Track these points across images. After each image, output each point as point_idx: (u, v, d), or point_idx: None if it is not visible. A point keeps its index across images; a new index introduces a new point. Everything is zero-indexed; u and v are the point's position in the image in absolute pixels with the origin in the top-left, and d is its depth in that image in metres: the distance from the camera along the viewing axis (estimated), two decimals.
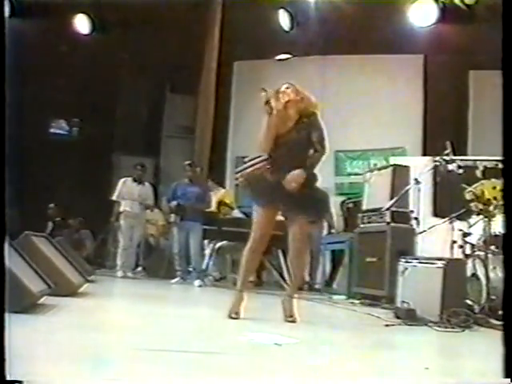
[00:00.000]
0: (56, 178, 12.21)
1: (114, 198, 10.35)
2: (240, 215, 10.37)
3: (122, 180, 10.49)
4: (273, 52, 12.66)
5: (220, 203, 9.98)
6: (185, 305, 6.58)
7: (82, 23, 12.97)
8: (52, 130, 13.96)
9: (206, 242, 9.83)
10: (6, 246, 3.13)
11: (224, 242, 9.53)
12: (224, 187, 11.60)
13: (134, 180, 10.38)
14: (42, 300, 4.36)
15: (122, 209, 10.25)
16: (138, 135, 14.31)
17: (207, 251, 9.60)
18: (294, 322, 4.77)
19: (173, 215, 9.51)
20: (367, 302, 7.09)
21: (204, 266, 9.43)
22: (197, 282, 9.10)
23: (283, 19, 12.04)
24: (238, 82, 13.70)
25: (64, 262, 5.85)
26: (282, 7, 12.04)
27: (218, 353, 3.22)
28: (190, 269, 9.38)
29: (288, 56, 12.55)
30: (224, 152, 13.55)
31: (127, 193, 10.29)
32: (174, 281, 9.35)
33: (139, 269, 11.47)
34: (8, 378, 2.17)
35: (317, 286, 9.45)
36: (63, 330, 3.63)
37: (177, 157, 14.04)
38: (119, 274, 9.89)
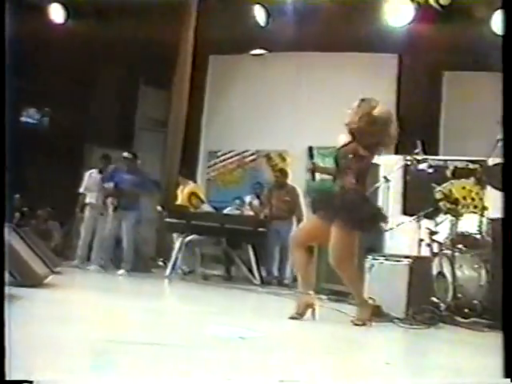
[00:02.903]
0: (25, 168, 12.07)
1: (80, 190, 10.25)
2: (210, 209, 10.36)
3: (89, 172, 10.39)
4: (248, 47, 12.63)
5: (191, 195, 9.94)
6: (150, 298, 6.53)
7: (56, 12, 12.81)
8: (22, 119, 13.80)
9: (175, 235, 9.79)
10: None
11: (193, 236, 9.49)
12: (195, 181, 11.57)
13: (100, 172, 10.27)
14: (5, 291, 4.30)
15: (87, 201, 10.15)
16: (111, 127, 14.19)
17: (176, 245, 9.55)
18: None
19: (109, 198, 9.40)
20: (335, 297, 7.10)
21: (173, 259, 9.38)
22: (120, 271, 9.09)
23: (259, 14, 12.01)
24: (212, 76, 13.65)
25: (30, 252, 5.79)
26: (258, 2, 12.01)
27: (182, 346, 3.21)
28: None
29: (263, 51, 12.54)
30: (196, 146, 13.50)
31: (93, 185, 10.18)
32: (92, 267, 9.29)
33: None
34: None
35: (286, 281, 9.46)
36: (26, 321, 3.58)
37: (149, 150, 13.98)
38: (77, 264, 9.67)
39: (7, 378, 2.21)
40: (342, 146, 5.00)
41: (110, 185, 9.40)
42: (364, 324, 4.74)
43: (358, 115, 4.94)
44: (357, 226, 4.85)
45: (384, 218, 5.31)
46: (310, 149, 5.02)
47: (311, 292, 4.98)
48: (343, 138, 5.01)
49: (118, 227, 9.37)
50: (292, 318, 4.78)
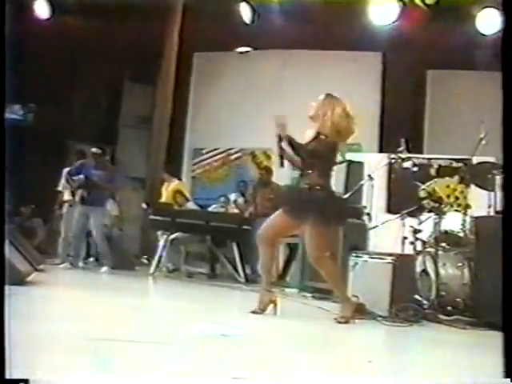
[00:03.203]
0: (8, 164, 11.97)
1: (59, 188, 10.17)
2: (195, 207, 10.34)
3: (67, 169, 10.28)
4: (233, 44, 12.62)
5: (176, 192, 9.92)
6: (134, 295, 6.51)
7: (41, 8, 12.72)
8: (6, 115, 13.70)
9: (159, 232, 9.76)
10: None
11: (178, 234, 9.47)
12: (180, 179, 11.54)
13: None
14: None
15: (65, 198, 10.06)
16: (95, 123, 14.12)
17: (161, 242, 9.52)
18: None
19: (79, 191, 9.29)
20: (319, 295, 7.11)
21: (157, 257, 9.35)
22: (103, 269, 9.01)
23: (244, 12, 11.99)
24: (197, 74, 13.62)
25: (12, 249, 5.74)
26: (244, 0, 12.00)
27: (165, 343, 3.20)
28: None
29: (248, 49, 12.53)
30: (181, 143, 13.46)
31: None
32: (62, 266, 9.08)
33: (91, 259, 11.35)
34: None
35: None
36: (8, 319, 3.55)
37: (133, 146, 13.95)
38: (61, 264, 9.30)
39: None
40: (309, 142, 4.98)
41: (80, 177, 9.29)
42: (347, 321, 4.76)
43: (323, 109, 5.02)
44: (326, 223, 4.88)
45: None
46: (279, 136, 5.01)
47: (274, 289, 5.10)
48: (310, 133, 5.03)
49: (86, 223, 9.23)
50: (253, 312, 4.86)
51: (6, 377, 2.24)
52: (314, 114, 5.07)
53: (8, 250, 5.52)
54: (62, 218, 10.11)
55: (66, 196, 10.02)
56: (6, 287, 4.62)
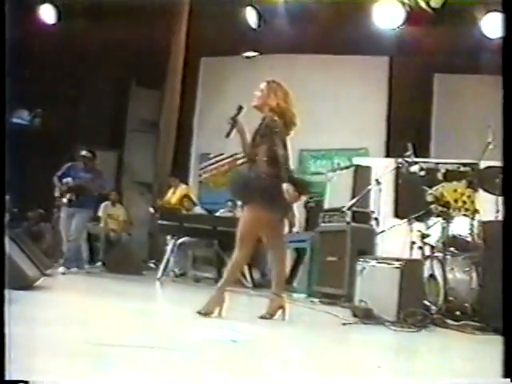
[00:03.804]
0: (16, 169, 11.99)
1: (56, 193, 10.11)
2: (202, 211, 10.35)
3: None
4: (240, 49, 12.65)
5: (183, 197, 9.94)
6: (141, 300, 6.52)
7: (47, 13, 12.77)
8: (13, 120, 13.75)
9: (168, 237, 9.78)
10: None
11: (186, 238, 9.48)
12: (187, 183, 11.55)
13: None
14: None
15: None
16: (102, 128, 14.16)
17: (169, 246, 9.54)
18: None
19: (68, 195, 9.22)
20: (326, 300, 7.10)
21: (164, 261, 9.37)
22: (61, 269, 8.82)
23: (251, 16, 12.02)
24: (204, 78, 13.65)
25: (20, 254, 5.75)
26: (250, 4, 12.02)
27: (173, 348, 3.20)
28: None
29: (255, 53, 12.55)
30: (188, 148, 13.49)
31: None
32: (60, 269, 8.83)
33: (99, 264, 11.38)
34: None
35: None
36: (16, 324, 3.56)
37: (140, 151, 13.98)
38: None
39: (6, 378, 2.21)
40: (258, 128, 4.97)
41: (69, 180, 9.27)
42: (209, 314, 4.68)
43: (270, 94, 5.01)
44: (263, 209, 4.83)
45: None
46: (240, 107, 5.01)
47: (284, 294, 5.05)
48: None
49: (70, 225, 9.18)
50: (262, 317, 4.85)
51: (6, 378, 2.24)
52: (259, 103, 5.05)
53: (16, 255, 5.55)
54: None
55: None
56: (15, 292, 4.67)
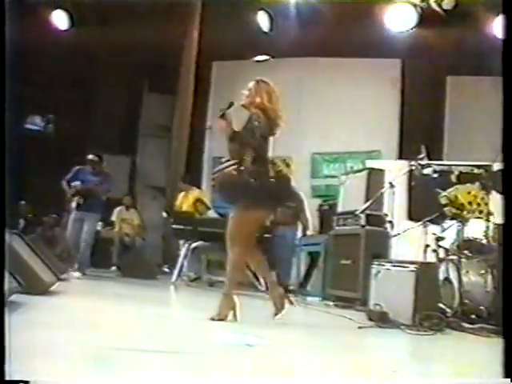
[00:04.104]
0: (29, 175, 12.08)
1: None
2: (216, 215, 10.35)
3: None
4: (251, 53, 12.64)
5: (197, 201, 9.95)
6: (156, 304, 6.53)
7: (59, 19, 12.84)
8: (26, 126, 13.83)
9: (181, 241, 9.79)
10: None
11: (200, 243, 9.49)
12: (200, 187, 11.57)
13: None
14: (11, 298, 4.31)
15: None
16: (115, 133, 14.21)
17: (182, 251, 9.55)
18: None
19: (76, 198, 9.27)
20: (341, 304, 7.10)
21: (179, 266, 9.39)
22: (76, 274, 8.87)
23: (262, 20, 12.04)
24: (216, 82, 13.67)
25: (36, 259, 5.79)
26: (262, 8, 12.04)
27: (189, 353, 3.21)
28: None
29: (266, 57, 12.54)
30: (201, 152, 13.50)
31: None
32: (71, 274, 8.76)
33: (113, 268, 11.43)
34: None
35: (291, 288, 9.44)
36: (32, 328, 3.59)
37: (153, 155, 14.01)
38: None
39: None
40: (242, 129, 4.99)
41: (77, 183, 9.32)
42: (223, 319, 4.66)
43: (257, 93, 5.06)
44: (251, 209, 4.88)
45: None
46: (231, 103, 5.07)
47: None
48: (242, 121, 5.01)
49: (80, 229, 9.24)
50: (212, 319, 4.69)
51: (6, 378, 2.26)
52: (246, 102, 5.08)
53: (32, 260, 5.59)
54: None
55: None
56: (29, 296, 4.70)
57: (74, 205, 9.32)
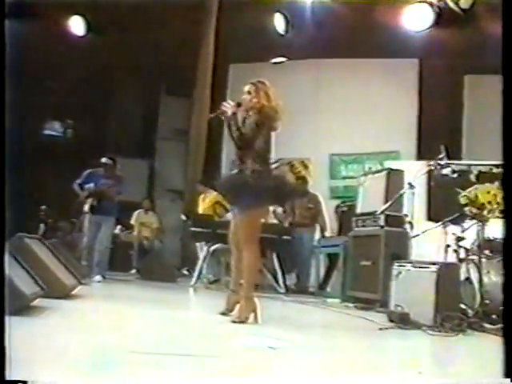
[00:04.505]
0: (49, 180, 12.17)
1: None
2: None
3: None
4: (268, 55, 12.64)
5: (215, 203, 9.96)
6: (177, 307, 6.56)
7: (76, 24, 12.94)
8: (46, 132, 13.94)
9: (200, 244, 9.82)
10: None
11: (219, 245, 9.50)
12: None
13: None
14: (34, 302, 4.35)
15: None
16: (133, 137, 14.29)
17: (202, 253, 9.58)
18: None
19: (89, 200, 9.30)
20: (361, 305, 7.08)
21: (198, 268, 9.41)
22: (97, 278, 8.90)
23: (279, 22, 12.06)
24: (233, 85, 13.67)
25: (57, 264, 5.83)
26: (278, 10, 12.05)
27: (212, 356, 3.21)
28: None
29: (283, 59, 12.54)
30: (219, 155, 13.51)
31: None
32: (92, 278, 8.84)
33: (133, 271, 11.49)
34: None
35: (311, 289, 9.44)
36: (56, 332, 3.61)
37: (171, 159, 14.05)
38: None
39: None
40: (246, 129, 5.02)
41: (90, 185, 9.35)
42: (243, 321, 4.68)
43: (256, 94, 5.09)
44: (255, 208, 4.92)
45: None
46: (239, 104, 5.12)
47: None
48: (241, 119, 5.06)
49: (97, 233, 9.26)
50: (222, 314, 5.01)
51: (6, 378, 2.28)
52: (248, 107, 5.11)
53: (54, 265, 5.63)
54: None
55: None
56: (52, 300, 4.73)
57: (87, 207, 9.35)
